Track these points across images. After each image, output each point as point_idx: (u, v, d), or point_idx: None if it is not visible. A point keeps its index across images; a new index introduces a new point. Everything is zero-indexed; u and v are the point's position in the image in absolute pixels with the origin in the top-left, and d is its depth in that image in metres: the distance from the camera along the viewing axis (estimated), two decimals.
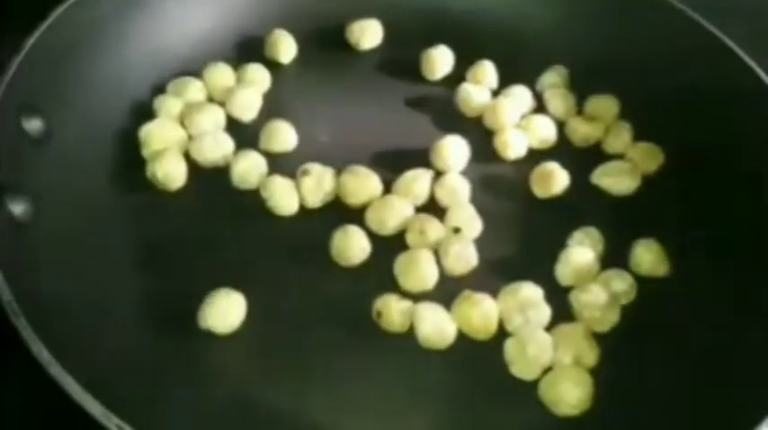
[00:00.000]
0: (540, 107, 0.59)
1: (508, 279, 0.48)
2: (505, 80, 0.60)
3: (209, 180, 0.53)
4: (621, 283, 0.48)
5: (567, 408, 0.43)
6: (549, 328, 0.46)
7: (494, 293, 0.47)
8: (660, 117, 0.57)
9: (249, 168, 0.52)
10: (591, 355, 0.45)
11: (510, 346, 0.46)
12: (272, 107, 0.57)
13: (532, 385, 0.45)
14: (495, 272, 0.49)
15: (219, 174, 0.53)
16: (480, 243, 0.50)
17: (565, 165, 0.54)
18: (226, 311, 0.45)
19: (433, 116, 0.59)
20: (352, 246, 0.48)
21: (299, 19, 0.62)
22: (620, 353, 0.46)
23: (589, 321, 0.47)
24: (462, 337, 0.46)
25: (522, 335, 0.45)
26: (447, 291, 0.48)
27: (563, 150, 0.57)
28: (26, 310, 0.38)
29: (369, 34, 0.62)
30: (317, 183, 0.51)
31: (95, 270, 0.46)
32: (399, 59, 0.62)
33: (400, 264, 0.48)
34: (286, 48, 0.60)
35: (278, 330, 0.46)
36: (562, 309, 0.47)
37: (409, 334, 0.46)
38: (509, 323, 0.47)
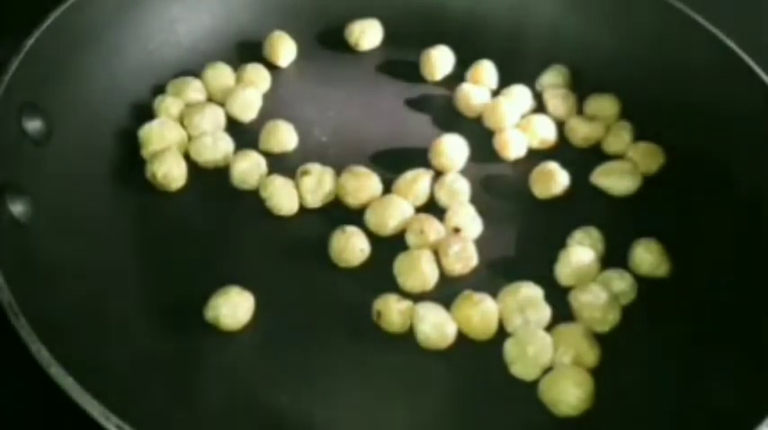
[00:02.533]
0: (540, 107, 0.59)
1: (508, 279, 0.48)
2: (505, 80, 0.60)
3: (209, 180, 0.53)
4: (621, 283, 0.48)
5: (567, 408, 0.43)
6: (549, 328, 0.46)
7: (494, 293, 0.47)
8: (660, 117, 0.57)
9: (249, 168, 0.52)
10: (591, 355, 0.45)
11: (510, 346, 0.46)
12: (272, 107, 0.57)
13: (532, 385, 0.45)
14: (495, 272, 0.49)
15: (219, 174, 0.53)
16: (480, 243, 0.50)
17: (565, 165, 0.54)
18: (236, 307, 0.45)
19: (433, 116, 0.59)
20: (351, 247, 0.48)
21: (299, 19, 0.62)
22: (620, 353, 0.46)
23: (589, 321, 0.47)
24: (462, 337, 0.46)
25: (522, 335, 0.45)
26: (447, 291, 0.48)
27: (563, 150, 0.57)
28: (26, 310, 0.38)
29: (369, 34, 0.62)
30: (317, 183, 0.51)
31: (95, 270, 0.46)
32: (399, 59, 0.62)
33: (400, 264, 0.48)
34: (285, 51, 0.60)
35: (277, 330, 0.46)
36: (562, 308, 0.47)
37: (409, 334, 0.46)
38: (509, 323, 0.47)
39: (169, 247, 0.49)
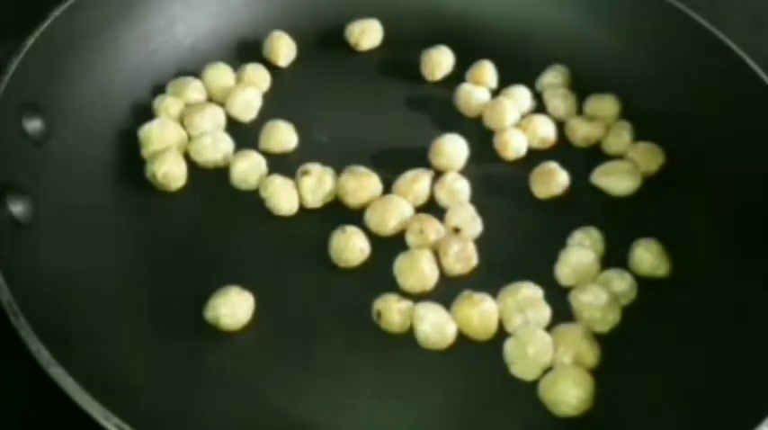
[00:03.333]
0: (540, 107, 0.59)
1: (508, 279, 0.48)
2: (505, 80, 0.60)
3: (209, 180, 0.53)
4: (621, 283, 0.48)
5: (568, 409, 0.43)
6: (549, 328, 0.46)
7: (494, 293, 0.47)
8: (660, 117, 0.57)
9: (249, 168, 0.52)
10: (591, 355, 0.45)
11: (510, 346, 0.46)
12: (272, 107, 0.57)
13: (532, 385, 0.45)
14: (495, 272, 0.49)
15: (219, 174, 0.53)
16: (480, 243, 0.50)
17: (565, 165, 0.54)
18: (236, 307, 0.45)
19: (433, 116, 0.59)
20: (351, 247, 0.48)
21: (299, 19, 0.62)
22: (620, 353, 0.46)
23: (589, 321, 0.47)
24: (462, 337, 0.46)
25: (522, 335, 0.45)
26: (447, 291, 0.48)
27: (563, 150, 0.57)
28: (26, 310, 0.38)
29: (369, 34, 0.62)
30: (317, 183, 0.51)
31: (95, 270, 0.46)
32: (399, 59, 0.62)
33: (400, 264, 0.48)
34: (285, 51, 0.60)
35: (277, 330, 0.46)
36: (562, 308, 0.47)
37: (409, 334, 0.46)
38: (509, 323, 0.47)
39: (169, 247, 0.49)
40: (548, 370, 0.45)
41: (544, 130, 0.57)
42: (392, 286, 0.48)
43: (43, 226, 0.45)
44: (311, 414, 0.43)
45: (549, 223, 0.52)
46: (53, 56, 0.50)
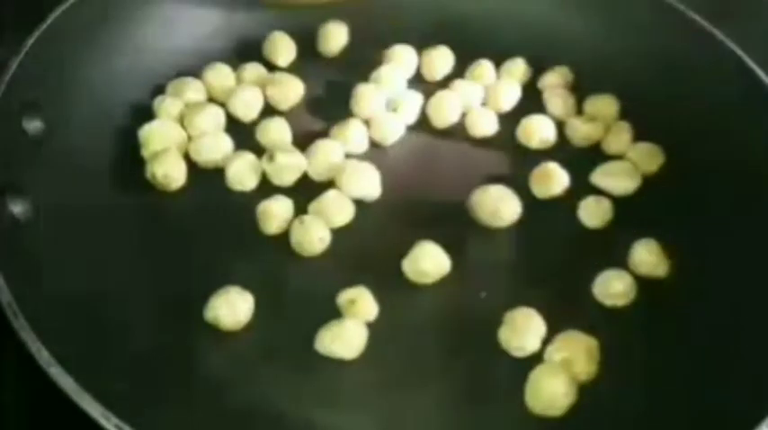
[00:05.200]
0: (541, 107, 0.59)
1: (508, 279, 0.48)
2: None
3: (209, 180, 0.53)
4: (621, 283, 0.48)
5: (551, 410, 0.43)
6: (557, 334, 0.46)
7: (493, 293, 0.48)
8: (660, 117, 0.57)
9: (244, 169, 0.52)
10: (585, 369, 0.45)
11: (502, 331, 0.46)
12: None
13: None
14: (496, 272, 0.49)
15: (219, 174, 0.53)
16: (480, 243, 0.50)
17: (565, 165, 0.54)
18: (236, 307, 0.45)
19: None
20: (311, 237, 0.49)
21: (299, 19, 0.62)
22: (620, 354, 0.46)
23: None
24: (461, 327, 0.46)
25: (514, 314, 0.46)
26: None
27: (563, 150, 0.57)
28: (26, 310, 0.38)
29: (335, 38, 0.61)
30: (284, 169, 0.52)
31: (95, 270, 0.46)
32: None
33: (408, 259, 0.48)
34: (285, 51, 0.60)
35: (277, 330, 0.46)
36: (561, 314, 0.47)
37: (409, 333, 0.46)
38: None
39: (169, 247, 0.49)
40: (535, 358, 0.45)
41: (544, 130, 0.57)
42: (392, 286, 0.48)
43: (43, 226, 0.45)
44: (311, 414, 0.43)
45: (550, 223, 0.52)
46: (53, 56, 0.50)
